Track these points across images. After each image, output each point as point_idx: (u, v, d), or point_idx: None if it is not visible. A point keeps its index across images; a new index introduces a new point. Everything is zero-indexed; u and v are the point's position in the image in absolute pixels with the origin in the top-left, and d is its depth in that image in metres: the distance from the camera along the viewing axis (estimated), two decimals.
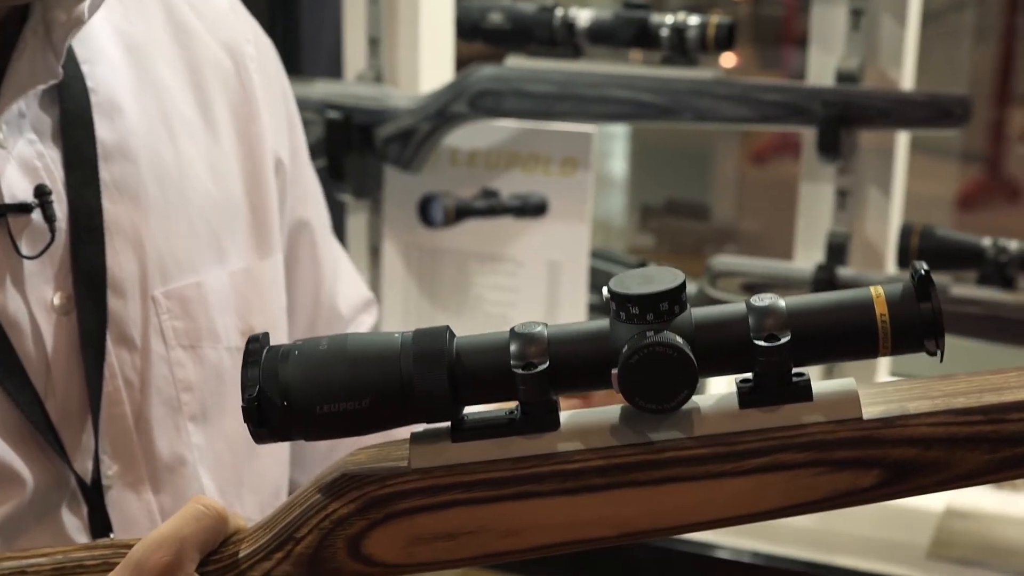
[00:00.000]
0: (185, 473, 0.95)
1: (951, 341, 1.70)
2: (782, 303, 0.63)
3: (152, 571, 0.67)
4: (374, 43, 1.90)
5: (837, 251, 1.69)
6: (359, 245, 1.91)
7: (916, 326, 0.63)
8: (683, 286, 0.63)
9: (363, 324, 1.16)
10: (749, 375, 0.65)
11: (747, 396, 0.65)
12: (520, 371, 0.63)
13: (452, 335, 0.65)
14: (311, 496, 0.68)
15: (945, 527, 1.61)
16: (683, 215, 3.39)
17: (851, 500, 0.65)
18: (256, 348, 0.66)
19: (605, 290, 0.64)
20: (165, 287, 0.94)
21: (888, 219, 1.73)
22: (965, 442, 0.63)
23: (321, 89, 1.86)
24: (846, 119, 1.59)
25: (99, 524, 0.90)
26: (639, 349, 0.62)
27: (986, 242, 1.60)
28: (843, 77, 1.65)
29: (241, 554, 0.69)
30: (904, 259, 1.62)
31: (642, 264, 1.84)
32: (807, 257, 1.75)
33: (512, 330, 0.65)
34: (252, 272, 1.00)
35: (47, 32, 0.87)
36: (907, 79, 1.71)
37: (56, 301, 0.89)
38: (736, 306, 0.64)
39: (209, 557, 0.69)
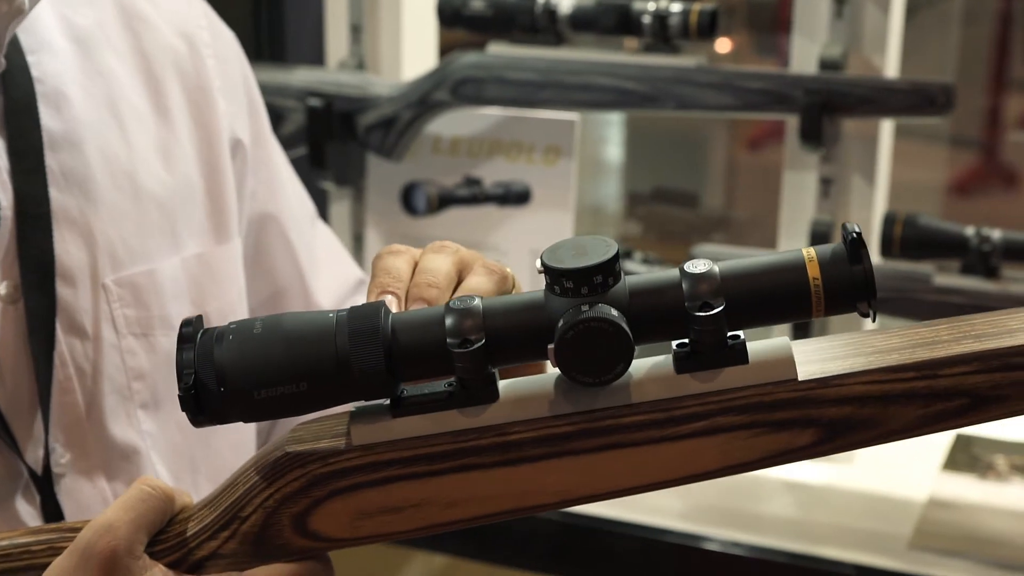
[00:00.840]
0: (138, 461, 0.95)
1: None
2: (715, 269, 0.64)
3: (100, 555, 0.66)
4: (356, 30, 1.89)
5: (821, 240, 1.68)
6: (342, 233, 1.90)
7: (848, 288, 0.63)
8: (616, 257, 0.63)
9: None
10: (685, 340, 0.65)
11: (683, 361, 0.65)
12: (456, 349, 0.63)
13: (388, 312, 0.65)
14: (253, 476, 0.68)
15: (928, 517, 1.60)
16: (671, 203, 3.38)
17: (788, 458, 0.66)
18: (189, 332, 0.66)
19: (538, 262, 0.64)
20: (116, 275, 0.93)
21: (872, 207, 1.72)
22: (899, 398, 0.64)
23: (303, 76, 1.85)
24: (829, 107, 1.58)
25: (51, 513, 0.90)
26: (574, 324, 0.62)
27: (969, 231, 1.59)
28: (826, 65, 1.64)
29: (188, 533, 0.69)
30: (887, 248, 1.61)
31: (627, 253, 1.83)
32: (791, 245, 1.75)
33: (447, 305, 0.65)
34: (207, 258, 1.00)
35: None
36: (891, 66, 1.70)
37: (3, 290, 0.88)
38: (670, 273, 0.64)
39: (157, 537, 0.70)
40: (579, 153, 1.79)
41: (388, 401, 0.66)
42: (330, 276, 1.14)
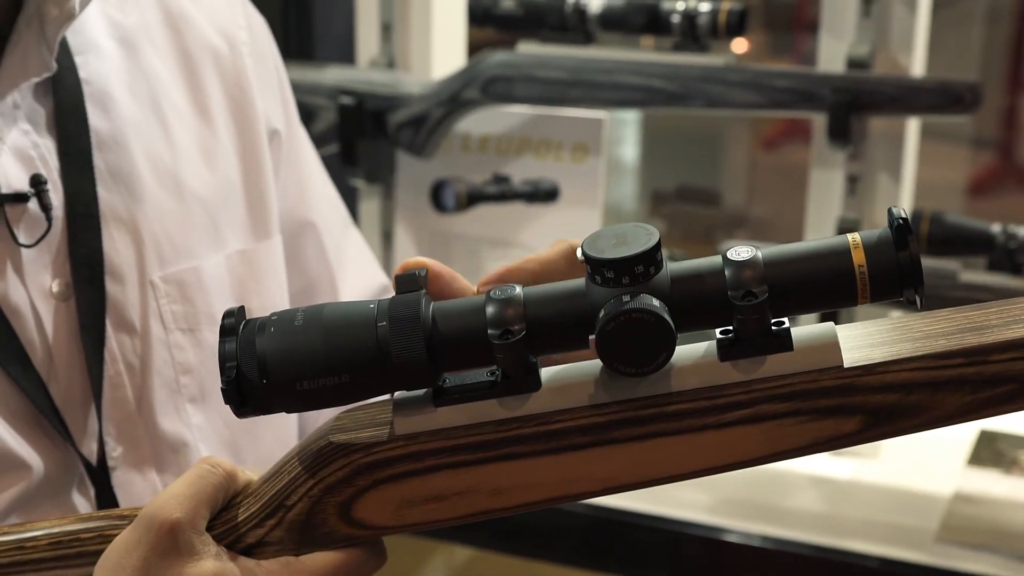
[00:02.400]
0: (187, 453, 0.97)
1: None
2: (759, 255, 0.62)
3: (163, 526, 0.67)
4: (387, 29, 1.90)
5: None
6: (371, 230, 1.92)
7: (895, 274, 0.62)
8: (658, 246, 0.63)
9: None
10: (729, 327, 0.64)
11: (727, 349, 0.64)
12: (497, 340, 0.63)
13: (429, 302, 0.65)
14: (297, 465, 0.68)
15: (954, 512, 1.61)
16: (694, 201, 3.39)
17: (834, 444, 0.65)
18: (231, 323, 0.66)
19: (579, 251, 0.64)
20: (163, 271, 0.95)
21: (898, 205, 1.73)
22: (946, 385, 0.63)
23: (334, 75, 1.86)
24: (856, 105, 1.60)
25: (107, 505, 0.92)
26: (616, 316, 0.61)
27: (996, 228, 1.60)
28: (854, 63, 1.66)
29: (238, 519, 0.70)
30: None
31: None
32: None
33: (488, 295, 0.64)
34: (249, 255, 1.02)
35: (40, 26, 0.89)
36: (918, 65, 1.71)
37: (55, 288, 0.90)
38: (713, 260, 0.63)
39: (217, 516, 0.71)
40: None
41: (430, 390, 0.66)
42: (356, 279, 1.15)
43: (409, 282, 0.66)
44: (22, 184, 0.89)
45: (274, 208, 1.05)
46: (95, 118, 0.93)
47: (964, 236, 1.61)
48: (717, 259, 0.63)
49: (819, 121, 1.70)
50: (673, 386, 0.64)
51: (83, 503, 0.92)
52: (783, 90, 1.62)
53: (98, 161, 0.93)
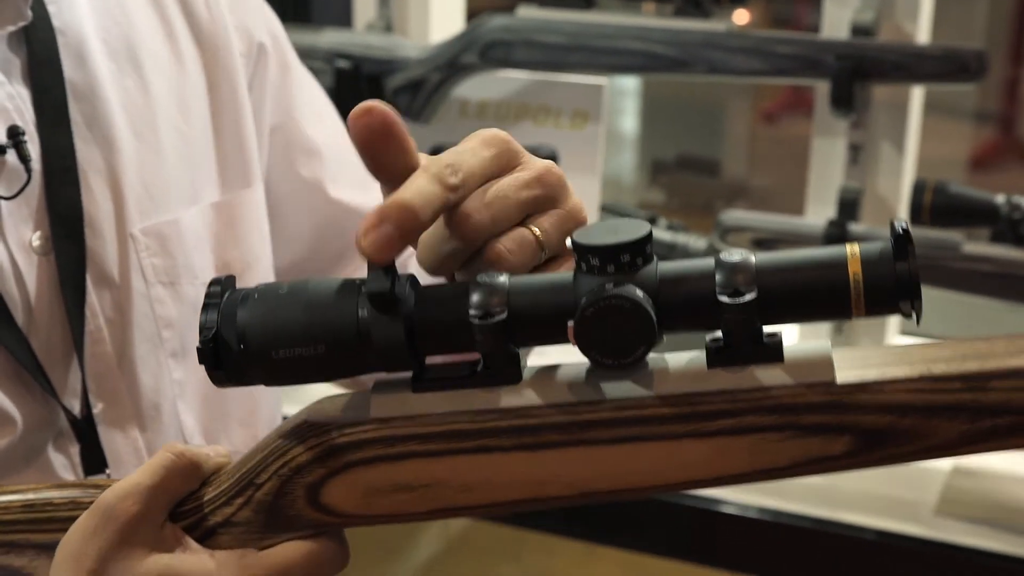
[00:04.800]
0: (168, 409, 0.96)
1: (964, 299, 1.69)
2: (751, 258, 0.60)
3: (120, 519, 0.67)
4: None
5: (849, 207, 1.68)
6: None
7: (891, 287, 0.59)
8: (647, 239, 0.61)
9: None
10: (719, 334, 0.62)
11: (715, 355, 0.62)
12: (477, 321, 0.62)
13: (415, 283, 0.64)
14: (273, 441, 0.67)
15: (953, 485, 1.60)
16: (694, 171, 3.38)
17: (819, 467, 0.62)
18: (216, 291, 0.65)
19: (568, 240, 0.63)
20: (143, 224, 0.94)
21: (901, 175, 1.72)
22: (943, 411, 0.60)
23: (331, 38, 1.84)
24: (860, 73, 1.57)
25: (93, 460, 0.91)
26: (596, 302, 0.60)
27: (1000, 199, 1.59)
28: (858, 30, 1.64)
29: (205, 498, 0.69)
30: (917, 215, 1.60)
31: (652, 219, 1.83)
32: (819, 213, 1.74)
33: (473, 279, 0.63)
34: (228, 205, 1.00)
35: None
36: (923, 33, 1.69)
37: (35, 242, 0.89)
38: (704, 261, 0.62)
39: (185, 498, 0.69)
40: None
41: (411, 375, 0.65)
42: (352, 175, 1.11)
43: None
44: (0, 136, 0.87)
45: (254, 155, 1.03)
46: (70, 69, 0.92)
47: (968, 207, 1.60)
48: (709, 260, 0.61)
49: (822, 89, 1.68)
50: (655, 389, 0.62)
51: (61, 460, 0.91)
52: (786, 56, 1.60)
53: (74, 113, 0.91)
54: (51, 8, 0.92)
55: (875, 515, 1.55)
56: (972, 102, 3.52)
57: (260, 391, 1.02)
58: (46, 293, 0.89)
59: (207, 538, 0.69)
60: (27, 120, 0.89)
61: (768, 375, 0.61)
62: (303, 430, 0.66)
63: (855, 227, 1.65)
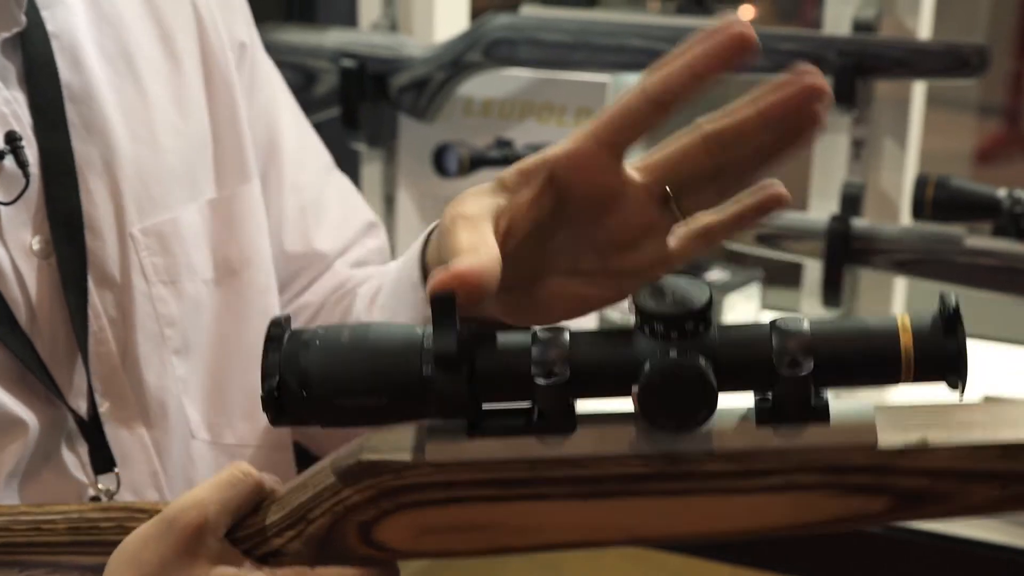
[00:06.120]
0: (174, 406, 0.97)
1: (966, 292, 1.69)
2: (806, 326, 0.63)
3: (183, 529, 0.68)
4: None
5: (852, 202, 1.69)
6: (373, 194, 1.91)
7: (940, 360, 0.62)
8: (709, 304, 0.63)
9: (364, 247, 1.13)
10: (768, 393, 0.65)
11: (765, 414, 0.64)
12: (540, 380, 0.63)
13: (476, 333, 0.65)
14: (326, 479, 0.68)
15: None
16: None
17: (859, 523, 0.65)
18: (278, 333, 0.66)
19: (628, 301, 0.65)
20: (142, 224, 0.95)
21: (903, 170, 1.73)
22: (978, 476, 0.63)
23: (336, 38, 1.85)
24: (862, 68, 1.58)
25: (101, 460, 0.92)
26: (661, 369, 0.62)
27: (1001, 193, 1.59)
28: (860, 26, 1.64)
29: (258, 526, 0.70)
30: (919, 210, 1.61)
31: None
32: (822, 208, 1.75)
33: (534, 334, 0.64)
34: (226, 202, 1.01)
35: None
36: (924, 28, 1.70)
37: (35, 245, 0.90)
38: (761, 326, 0.64)
39: (241, 520, 0.70)
40: None
41: (466, 419, 0.66)
42: (330, 224, 1.12)
43: (446, 306, 0.64)
44: None
45: (250, 151, 1.03)
46: (65, 72, 0.92)
47: (970, 201, 1.60)
48: (766, 325, 0.64)
49: None
50: (709, 445, 0.64)
51: (73, 460, 0.92)
52: (788, 53, 1.60)
53: (71, 115, 0.92)
54: (45, 13, 0.92)
55: None
56: (976, 95, 3.52)
57: (257, 389, 1.03)
58: (48, 296, 0.90)
59: (259, 565, 0.69)
60: (24, 124, 0.90)
61: (816, 436, 0.64)
62: (358, 470, 0.67)
63: (858, 222, 1.66)
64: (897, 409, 0.66)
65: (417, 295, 0.86)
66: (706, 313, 0.63)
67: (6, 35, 0.89)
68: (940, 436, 0.64)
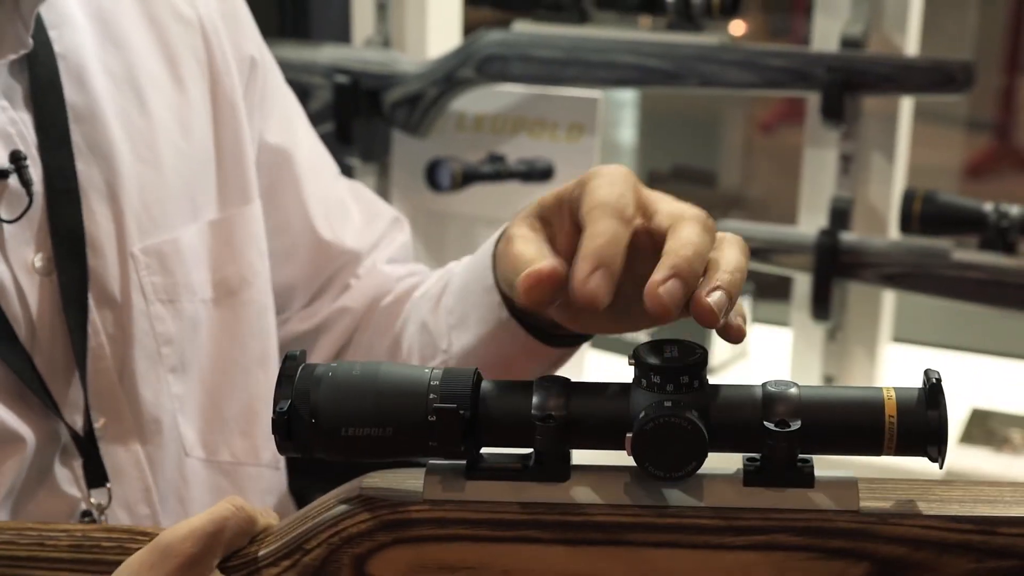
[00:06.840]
0: (169, 423, 0.98)
1: (953, 306, 1.70)
2: (795, 391, 0.66)
3: (177, 558, 0.68)
4: (382, 8, 1.91)
5: (840, 216, 1.71)
6: None
7: (922, 432, 0.64)
8: (704, 362, 0.66)
9: (393, 243, 1.15)
10: (756, 455, 0.67)
11: (752, 475, 0.66)
12: (539, 422, 0.66)
13: (479, 379, 0.68)
14: (325, 511, 0.69)
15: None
16: (690, 181, 3.40)
17: None
18: (292, 365, 0.68)
19: (630, 356, 0.67)
20: (143, 243, 0.96)
21: (891, 184, 1.74)
22: (954, 548, 0.65)
23: (329, 54, 1.87)
24: (850, 84, 1.60)
25: (94, 475, 0.93)
26: (655, 418, 0.64)
27: (988, 207, 1.61)
28: (848, 43, 1.66)
29: (254, 556, 0.71)
30: (907, 224, 1.63)
31: None
32: (810, 222, 1.77)
33: (537, 381, 0.67)
34: (227, 223, 1.02)
35: (15, 3, 0.89)
36: (911, 45, 1.72)
37: (37, 263, 0.91)
38: (752, 388, 0.66)
39: (232, 554, 0.71)
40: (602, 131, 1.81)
41: (465, 462, 0.69)
42: (356, 221, 1.14)
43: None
44: (1, 161, 0.89)
45: (252, 172, 1.05)
46: (71, 92, 0.94)
47: (956, 215, 1.62)
48: (757, 388, 0.66)
49: (813, 100, 1.70)
50: (697, 500, 0.67)
51: (66, 475, 0.92)
52: (777, 69, 1.62)
53: (75, 135, 0.93)
54: (52, 34, 0.93)
55: None
56: (964, 110, 3.54)
57: (259, 403, 1.05)
58: (48, 312, 0.91)
59: None
60: (29, 144, 0.91)
61: (800, 498, 0.66)
62: (357, 503, 0.69)
63: (846, 236, 1.68)
64: (880, 480, 0.68)
65: (492, 298, 0.90)
66: (700, 370, 0.66)
67: (13, 57, 0.90)
68: (919, 507, 0.66)
